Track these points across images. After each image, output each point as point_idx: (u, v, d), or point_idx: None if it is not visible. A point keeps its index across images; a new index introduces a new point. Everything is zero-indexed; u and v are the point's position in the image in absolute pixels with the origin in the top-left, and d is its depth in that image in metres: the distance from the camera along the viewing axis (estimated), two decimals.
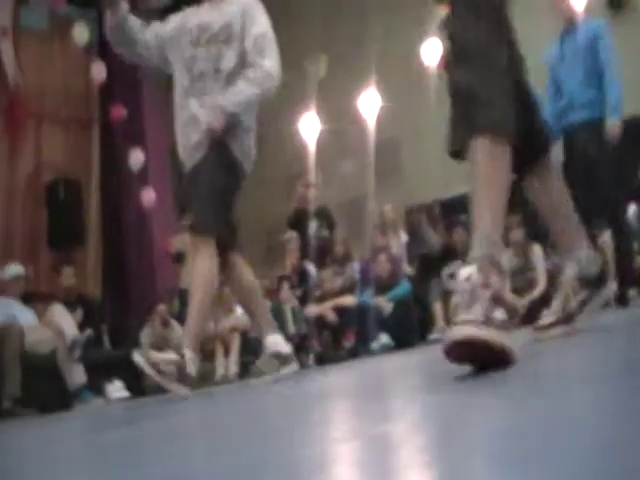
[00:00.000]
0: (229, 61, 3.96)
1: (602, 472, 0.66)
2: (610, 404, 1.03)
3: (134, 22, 4.21)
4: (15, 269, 7.52)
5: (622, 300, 5.21)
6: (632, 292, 5.50)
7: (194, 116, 3.96)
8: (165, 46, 4.19)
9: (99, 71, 9.48)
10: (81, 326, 7.51)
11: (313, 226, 8.37)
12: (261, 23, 4.01)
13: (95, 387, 7.26)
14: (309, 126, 10.22)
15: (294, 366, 4.02)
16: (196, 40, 4.03)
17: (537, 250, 7.08)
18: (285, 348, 3.98)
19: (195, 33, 4.04)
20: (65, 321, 7.31)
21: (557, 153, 5.16)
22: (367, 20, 10.00)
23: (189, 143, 3.96)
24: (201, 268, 3.78)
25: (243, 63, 3.97)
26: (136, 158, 9.71)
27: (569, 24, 5.42)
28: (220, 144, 3.87)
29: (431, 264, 7.71)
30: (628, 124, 5.47)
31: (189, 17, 4.17)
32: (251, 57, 3.95)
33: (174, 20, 4.28)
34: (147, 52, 4.25)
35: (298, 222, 8.75)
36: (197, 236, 3.86)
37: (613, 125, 5.25)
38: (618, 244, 5.35)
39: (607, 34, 5.40)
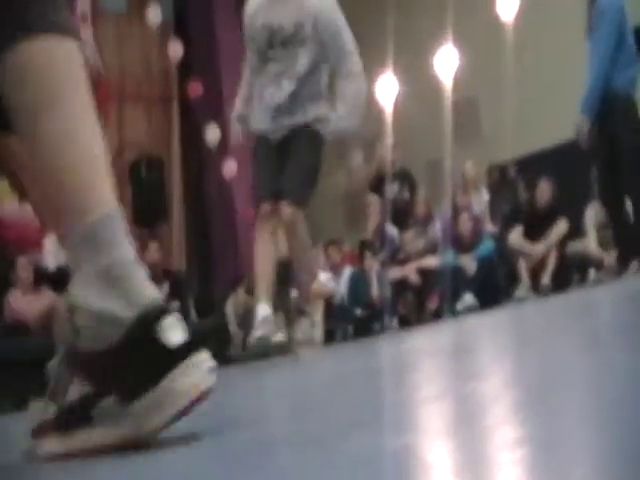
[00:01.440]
0: (302, 64, 4.10)
1: None
2: None
3: None
4: None
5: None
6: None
7: (275, 109, 4.15)
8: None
9: (175, 49, 9.62)
10: (167, 300, 7.70)
11: (394, 188, 8.33)
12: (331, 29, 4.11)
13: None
14: (387, 87, 10.12)
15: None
16: (269, 40, 4.13)
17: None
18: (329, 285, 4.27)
19: (266, 34, 4.13)
20: None
21: None
22: None
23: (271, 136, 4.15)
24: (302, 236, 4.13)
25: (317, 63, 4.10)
26: (213, 133, 9.84)
27: None
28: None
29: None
30: None
31: (260, 13, 4.21)
32: (340, 64, 4.15)
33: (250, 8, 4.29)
34: None
35: (379, 185, 8.73)
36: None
37: (580, 127, 5.38)
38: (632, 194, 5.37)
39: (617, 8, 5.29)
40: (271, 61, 4.14)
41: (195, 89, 9.84)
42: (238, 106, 4.43)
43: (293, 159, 4.07)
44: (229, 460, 1.02)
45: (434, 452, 0.78)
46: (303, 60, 4.07)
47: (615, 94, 5.25)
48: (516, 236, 7.21)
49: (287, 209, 4.02)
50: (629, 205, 5.49)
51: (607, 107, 5.22)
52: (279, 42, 4.07)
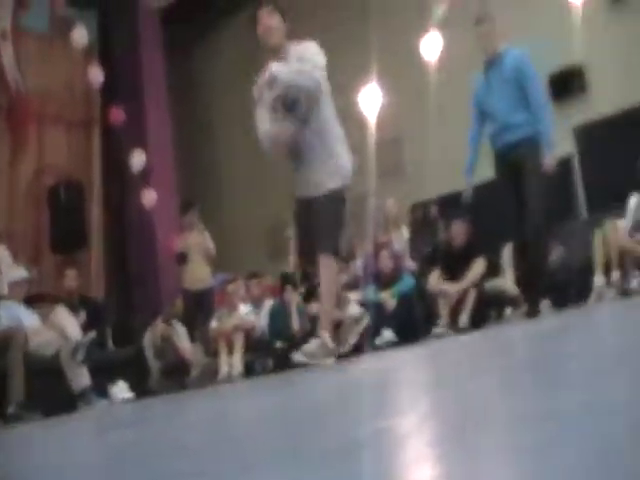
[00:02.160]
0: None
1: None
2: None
3: None
4: (19, 272, 7.52)
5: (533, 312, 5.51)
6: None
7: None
8: None
9: (98, 72, 9.48)
10: (85, 328, 7.51)
11: None
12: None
13: (99, 389, 7.25)
14: None
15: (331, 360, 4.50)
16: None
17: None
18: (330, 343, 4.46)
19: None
20: (69, 323, 7.30)
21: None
22: (367, 17, 10.01)
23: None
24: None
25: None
26: (137, 159, 9.72)
27: (491, 55, 5.67)
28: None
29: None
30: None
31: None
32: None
33: None
34: None
35: None
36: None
37: (551, 162, 5.54)
38: (531, 257, 5.64)
39: (530, 63, 5.66)
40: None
41: (117, 115, 9.69)
42: None
43: None
44: None
45: None
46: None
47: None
48: (434, 279, 7.36)
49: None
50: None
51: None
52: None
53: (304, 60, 4.18)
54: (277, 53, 4.27)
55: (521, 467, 0.72)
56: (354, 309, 4.76)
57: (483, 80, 5.77)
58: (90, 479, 1.10)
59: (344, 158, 4.41)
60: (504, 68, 5.64)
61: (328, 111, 4.36)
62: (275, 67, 4.09)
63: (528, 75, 5.64)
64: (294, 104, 4.28)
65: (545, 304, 5.97)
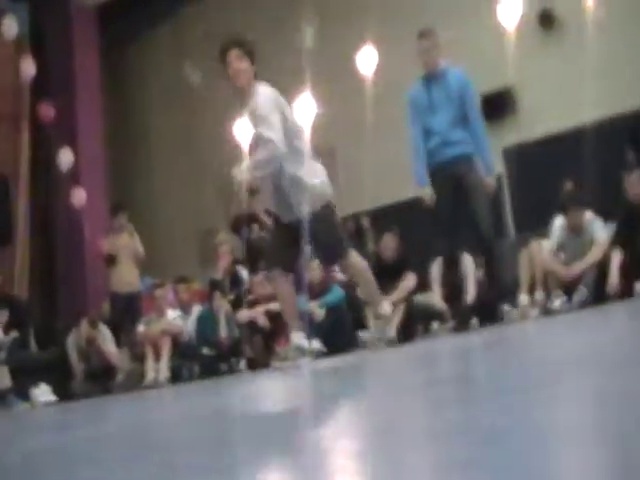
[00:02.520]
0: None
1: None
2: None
3: None
4: None
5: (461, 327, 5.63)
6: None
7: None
8: None
9: (29, 67, 9.25)
10: (6, 328, 7.33)
11: (254, 230, 8.33)
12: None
13: (21, 391, 7.08)
14: (243, 130, 10.17)
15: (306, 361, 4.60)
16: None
17: (467, 260, 7.20)
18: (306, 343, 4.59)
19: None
20: None
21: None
22: (303, 25, 10.06)
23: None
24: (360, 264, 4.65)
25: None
26: (66, 158, 9.52)
27: (432, 70, 5.74)
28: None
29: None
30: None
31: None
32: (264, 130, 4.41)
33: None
34: None
35: (239, 226, 8.72)
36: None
37: (491, 181, 5.67)
38: (489, 271, 5.79)
39: (471, 83, 5.80)
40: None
41: (46, 110, 9.45)
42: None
43: None
44: None
45: None
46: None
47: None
48: None
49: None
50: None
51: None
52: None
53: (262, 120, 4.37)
54: (245, 94, 4.45)
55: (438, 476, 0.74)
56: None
57: (424, 94, 5.81)
58: None
59: (320, 179, 4.64)
60: (448, 85, 5.71)
61: (295, 140, 4.55)
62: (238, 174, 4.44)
63: (470, 95, 5.74)
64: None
65: (473, 321, 6.10)
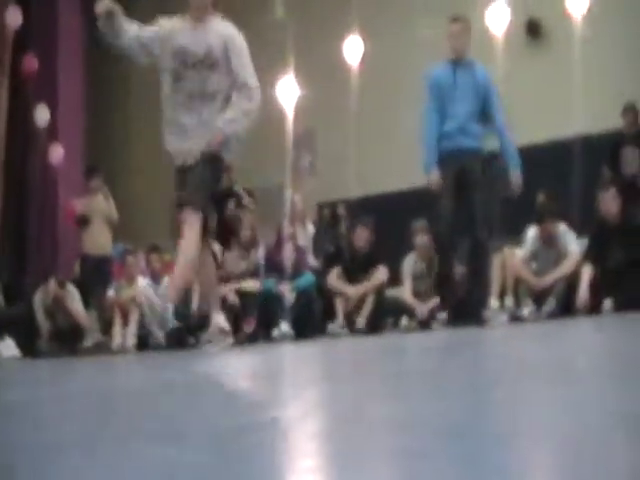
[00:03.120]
0: (214, 84, 4.36)
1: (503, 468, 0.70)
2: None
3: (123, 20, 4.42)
4: None
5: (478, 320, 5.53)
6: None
7: (183, 125, 4.39)
8: (152, 50, 4.47)
9: (14, 16, 9.08)
10: None
11: (229, 206, 8.30)
12: (243, 48, 4.43)
13: None
14: None
15: (230, 340, 4.75)
16: (182, 62, 4.36)
17: None
18: (226, 325, 4.68)
19: (181, 56, 4.36)
20: None
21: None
22: (288, 7, 10.07)
23: (182, 147, 4.43)
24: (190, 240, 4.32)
25: (229, 84, 4.38)
26: (42, 115, 9.39)
27: (460, 56, 5.66)
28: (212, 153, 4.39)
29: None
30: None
31: (175, 33, 4.42)
32: (239, 84, 4.38)
33: (163, 27, 4.48)
34: (132, 50, 4.51)
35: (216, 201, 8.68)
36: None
37: (519, 178, 5.69)
38: (475, 266, 5.62)
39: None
40: (183, 81, 4.39)
41: (30, 63, 9.25)
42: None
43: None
44: (15, 461, 0.99)
45: (225, 473, 0.80)
46: (212, 83, 4.36)
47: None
48: (334, 277, 7.43)
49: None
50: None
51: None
52: (191, 65, 4.35)
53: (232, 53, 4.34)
54: (199, 16, 4.41)
55: (394, 469, 0.76)
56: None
57: (449, 76, 5.62)
58: None
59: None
60: (475, 75, 5.59)
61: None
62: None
63: (494, 91, 5.67)
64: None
65: (440, 320, 6.11)
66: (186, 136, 4.39)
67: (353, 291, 7.31)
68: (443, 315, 6.30)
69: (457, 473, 0.70)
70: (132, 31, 4.41)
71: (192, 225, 4.26)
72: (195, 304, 7.35)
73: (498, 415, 1.07)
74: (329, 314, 7.46)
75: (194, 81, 4.36)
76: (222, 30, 4.41)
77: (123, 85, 12.19)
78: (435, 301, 6.89)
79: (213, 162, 4.40)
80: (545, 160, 7.90)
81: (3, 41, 10.28)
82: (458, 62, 5.64)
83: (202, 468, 0.81)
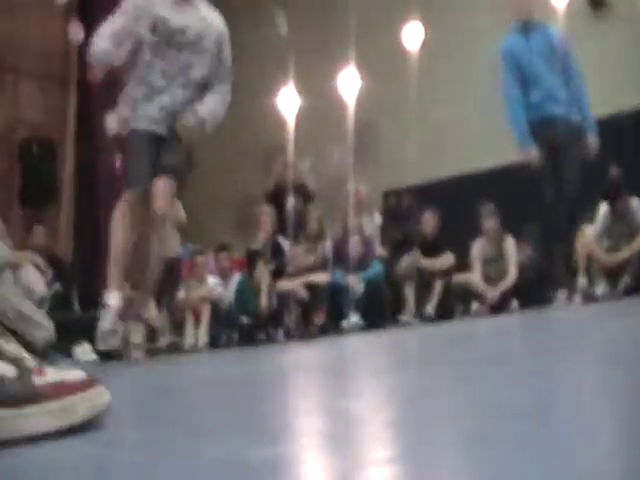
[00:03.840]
0: (198, 72, 4.23)
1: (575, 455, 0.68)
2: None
3: None
4: None
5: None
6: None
7: (162, 107, 4.27)
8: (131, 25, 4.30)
9: (76, 31, 9.34)
10: (50, 286, 7.46)
11: (292, 201, 8.34)
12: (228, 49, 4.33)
13: (63, 349, 7.23)
14: (288, 100, 10.17)
15: None
16: (166, 40, 4.18)
17: (509, 241, 7.15)
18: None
19: (165, 32, 4.17)
20: (34, 279, 7.25)
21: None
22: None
23: (154, 131, 4.32)
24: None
25: (209, 76, 4.25)
26: (111, 122, 9.59)
27: (527, 19, 5.39)
28: None
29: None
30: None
31: (159, 7, 4.22)
32: (223, 76, 4.28)
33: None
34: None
35: (276, 196, 8.74)
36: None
37: (595, 141, 5.44)
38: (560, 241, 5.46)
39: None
40: (164, 60, 4.23)
41: (94, 74, 9.55)
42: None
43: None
44: (85, 458, 1.01)
45: (302, 466, 0.80)
46: (198, 69, 4.23)
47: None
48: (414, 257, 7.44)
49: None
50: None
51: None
52: (176, 44, 4.19)
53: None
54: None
55: (472, 454, 0.74)
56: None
57: (522, 43, 5.34)
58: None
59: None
60: (549, 35, 5.33)
61: None
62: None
63: (571, 54, 5.37)
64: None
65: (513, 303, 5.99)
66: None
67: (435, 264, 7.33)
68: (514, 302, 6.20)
69: (535, 457, 0.68)
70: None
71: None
72: (265, 300, 7.42)
73: (575, 400, 1.04)
74: (399, 302, 7.45)
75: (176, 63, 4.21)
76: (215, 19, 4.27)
77: None
78: (506, 285, 6.80)
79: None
80: (611, 134, 7.69)
81: (69, 52, 10.59)
82: (528, 26, 5.36)
83: (280, 461, 0.80)
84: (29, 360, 1.16)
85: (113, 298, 4.00)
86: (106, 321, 4.07)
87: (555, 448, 0.71)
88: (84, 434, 1.12)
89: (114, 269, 4.16)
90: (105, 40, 4.24)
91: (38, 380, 1.12)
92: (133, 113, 4.39)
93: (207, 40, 4.20)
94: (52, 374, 1.15)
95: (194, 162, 4.64)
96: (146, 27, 4.19)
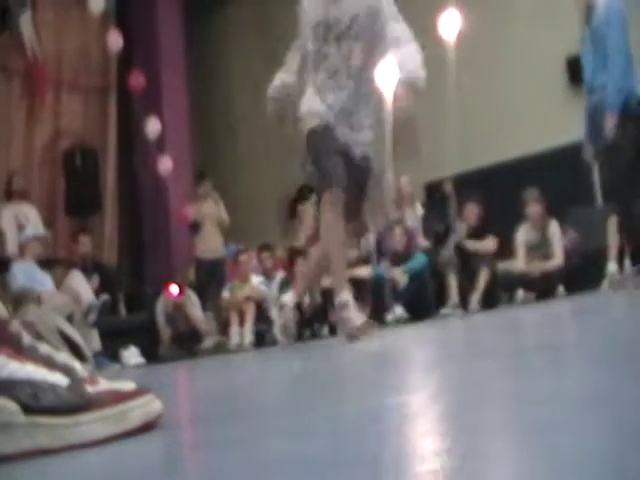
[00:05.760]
0: (358, 58, 4.29)
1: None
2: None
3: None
4: (34, 228, 7.58)
5: None
6: None
7: (342, 108, 4.35)
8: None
9: (115, 40, 9.47)
10: (97, 293, 7.59)
11: None
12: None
13: (111, 353, 7.34)
14: None
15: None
16: (324, 36, 4.17)
17: (554, 225, 7.06)
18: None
19: (323, 29, 4.15)
20: (82, 287, 7.38)
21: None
22: None
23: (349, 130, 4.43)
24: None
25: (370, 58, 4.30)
26: (153, 127, 9.72)
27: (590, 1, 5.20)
28: None
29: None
30: None
31: (316, 7, 4.17)
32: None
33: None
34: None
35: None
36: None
37: (611, 123, 5.17)
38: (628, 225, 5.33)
39: (618, 9, 5.13)
40: (327, 58, 4.24)
41: (137, 80, 9.68)
42: (280, 90, 4.40)
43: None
44: (152, 460, 1.02)
45: (358, 461, 0.80)
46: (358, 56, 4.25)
47: None
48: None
49: None
50: None
51: None
52: (334, 37, 4.18)
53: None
54: None
55: (525, 444, 0.73)
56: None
57: (586, 30, 5.18)
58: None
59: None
60: (594, 16, 5.07)
61: None
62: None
63: (610, 21, 5.00)
64: None
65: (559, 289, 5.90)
66: None
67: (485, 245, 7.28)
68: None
69: (596, 444, 0.67)
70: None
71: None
72: (307, 297, 7.43)
73: (632, 384, 1.02)
74: (443, 293, 7.40)
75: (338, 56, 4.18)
76: None
77: (226, 88, 12.41)
78: (550, 265, 6.73)
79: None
80: None
81: (108, 62, 10.76)
82: (590, 9, 5.12)
83: (337, 456, 0.80)
84: (81, 370, 1.18)
85: (346, 294, 3.97)
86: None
87: (618, 437, 0.69)
88: (144, 439, 1.14)
89: (339, 271, 4.12)
90: None
91: (91, 389, 1.14)
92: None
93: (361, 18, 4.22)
94: (104, 384, 1.18)
95: None
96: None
